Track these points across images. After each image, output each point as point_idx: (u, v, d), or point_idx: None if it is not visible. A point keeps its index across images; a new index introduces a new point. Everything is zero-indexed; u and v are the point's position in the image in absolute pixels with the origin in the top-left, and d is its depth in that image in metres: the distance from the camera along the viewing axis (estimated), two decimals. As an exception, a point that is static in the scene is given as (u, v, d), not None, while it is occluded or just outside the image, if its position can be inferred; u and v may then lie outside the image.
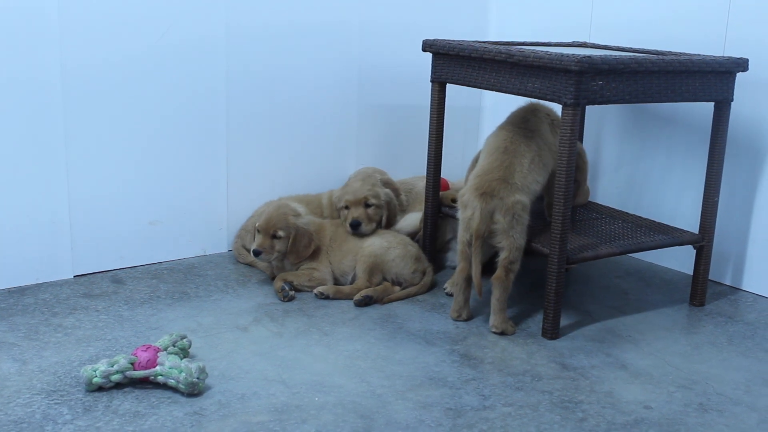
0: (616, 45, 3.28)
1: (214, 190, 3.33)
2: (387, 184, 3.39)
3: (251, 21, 3.27)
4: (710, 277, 3.14)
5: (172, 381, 2.20)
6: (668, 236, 2.95)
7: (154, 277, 3.10)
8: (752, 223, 3.14)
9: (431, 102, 3.09)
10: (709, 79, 2.74)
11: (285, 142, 3.48)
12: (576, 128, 2.52)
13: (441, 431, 2.09)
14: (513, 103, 3.01)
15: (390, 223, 3.23)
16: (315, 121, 3.54)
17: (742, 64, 2.77)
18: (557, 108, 2.63)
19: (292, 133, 3.50)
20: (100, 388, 2.21)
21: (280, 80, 3.40)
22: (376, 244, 3.03)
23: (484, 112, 4.07)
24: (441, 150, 3.14)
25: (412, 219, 3.34)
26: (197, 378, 2.20)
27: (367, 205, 3.13)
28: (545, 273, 2.66)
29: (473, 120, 4.06)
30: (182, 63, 3.13)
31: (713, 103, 2.85)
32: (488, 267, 2.82)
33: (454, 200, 3.07)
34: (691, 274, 3.04)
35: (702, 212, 2.96)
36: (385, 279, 3.01)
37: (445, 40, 3.00)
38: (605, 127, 3.63)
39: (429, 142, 3.14)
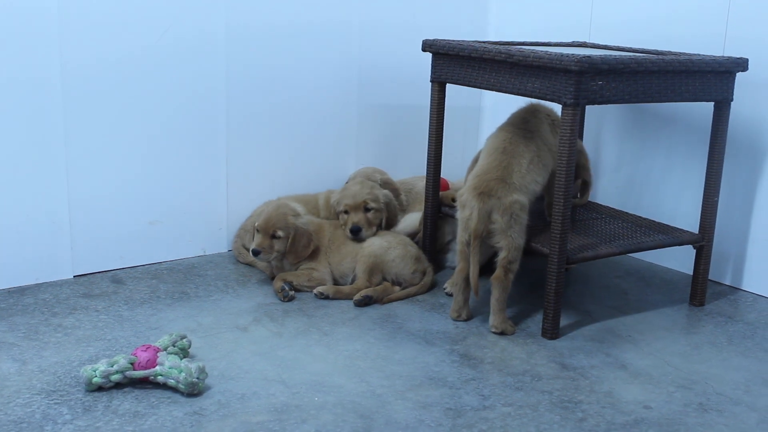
0: (616, 45, 3.28)
1: (213, 190, 3.33)
2: (386, 184, 3.39)
3: (251, 21, 3.27)
4: (710, 277, 3.14)
5: (172, 381, 2.20)
6: (668, 236, 2.95)
7: (154, 277, 3.10)
8: (752, 223, 3.14)
9: (431, 102, 3.09)
10: (709, 78, 2.74)
11: (285, 142, 3.48)
12: (576, 128, 2.52)
13: (441, 431, 2.09)
14: (513, 103, 3.01)
15: (390, 224, 3.22)
16: (315, 121, 3.54)
17: (741, 64, 2.77)
18: (557, 108, 2.63)
19: (292, 133, 3.50)
20: (99, 388, 2.21)
21: (280, 80, 3.40)
22: (376, 244, 3.03)
23: (484, 112, 4.07)
24: (441, 150, 3.14)
25: (412, 219, 3.34)
26: (197, 378, 2.19)
27: (367, 209, 3.12)
28: (545, 273, 2.66)
29: (473, 120, 4.06)
30: (182, 63, 3.13)
31: (713, 103, 2.85)
32: (488, 267, 2.82)
33: (454, 200, 3.06)
34: (691, 274, 3.04)
35: (702, 212, 2.96)
36: (384, 279, 3.01)
37: (444, 40, 3.00)
38: (605, 127, 3.62)
39: (429, 142, 3.14)
